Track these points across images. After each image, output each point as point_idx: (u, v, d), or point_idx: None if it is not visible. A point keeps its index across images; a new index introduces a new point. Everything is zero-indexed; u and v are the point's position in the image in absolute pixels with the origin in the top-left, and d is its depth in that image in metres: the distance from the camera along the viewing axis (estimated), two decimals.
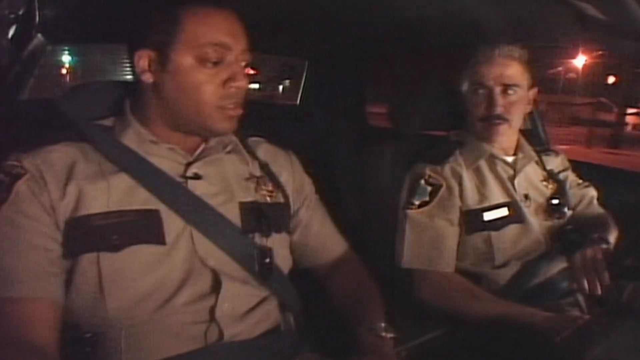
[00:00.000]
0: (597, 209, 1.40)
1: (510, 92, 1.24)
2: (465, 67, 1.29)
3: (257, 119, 0.93)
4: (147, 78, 0.84)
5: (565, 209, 1.32)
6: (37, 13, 1.06)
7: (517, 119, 1.27)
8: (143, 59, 0.83)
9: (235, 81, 0.84)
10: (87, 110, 0.89)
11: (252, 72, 0.89)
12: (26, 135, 0.84)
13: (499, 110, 1.23)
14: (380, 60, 2.38)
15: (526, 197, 1.28)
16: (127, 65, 0.88)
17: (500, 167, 1.29)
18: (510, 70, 1.24)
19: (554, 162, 1.41)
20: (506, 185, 1.27)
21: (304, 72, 2.27)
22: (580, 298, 1.19)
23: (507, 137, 1.28)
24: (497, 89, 1.23)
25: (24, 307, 0.73)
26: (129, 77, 0.90)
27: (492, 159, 1.29)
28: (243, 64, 0.87)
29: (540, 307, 1.07)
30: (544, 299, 1.17)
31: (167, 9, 0.82)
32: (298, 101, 2.33)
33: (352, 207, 1.52)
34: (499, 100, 1.23)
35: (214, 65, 0.83)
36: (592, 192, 1.42)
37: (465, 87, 1.30)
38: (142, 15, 0.85)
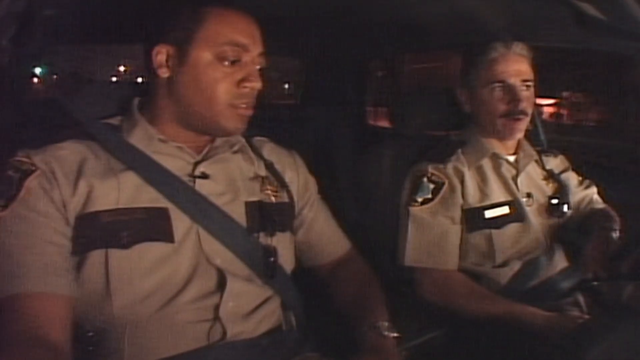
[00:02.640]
0: (598, 204, 1.41)
1: (527, 87, 1.25)
2: (476, 65, 1.27)
3: (258, 119, 0.93)
4: (163, 73, 0.85)
5: (565, 208, 1.32)
6: (37, 13, 1.06)
7: (530, 114, 1.28)
8: (161, 53, 0.85)
9: (250, 82, 0.86)
10: (94, 109, 0.90)
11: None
12: (32, 135, 0.84)
13: (522, 105, 1.23)
14: (381, 60, 2.38)
15: (529, 195, 1.29)
16: (142, 61, 0.88)
17: (502, 166, 1.29)
18: (525, 66, 1.25)
19: (554, 163, 1.42)
20: (508, 184, 1.28)
21: (304, 72, 2.27)
22: (580, 298, 1.19)
23: (521, 133, 1.28)
24: (519, 85, 1.23)
25: (37, 303, 0.73)
26: (137, 75, 0.90)
27: (494, 158, 1.29)
28: (258, 66, 0.88)
29: (541, 306, 1.07)
30: (544, 299, 1.17)
31: (191, 7, 0.84)
32: (298, 101, 2.33)
33: (354, 207, 1.52)
34: (522, 95, 1.23)
35: (230, 64, 0.84)
36: (593, 190, 1.42)
37: (476, 85, 1.28)
38: (164, 11, 0.86)
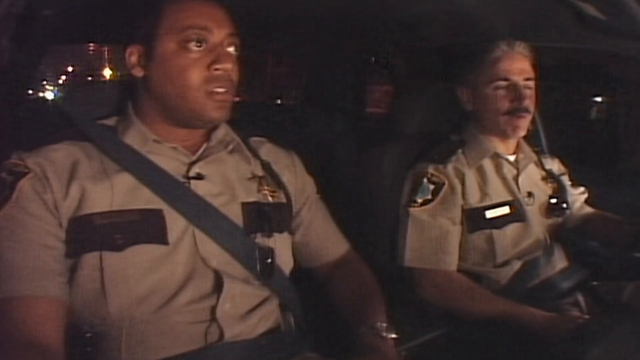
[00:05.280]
0: (587, 208, 1.45)
1: (529, 85, 1.25)
2: (478, 64, 1.27)
3: (258, 119, 0.93)
4: (138, 72, 0.86)
5: (565, 207, 1.33)
6: (37, 13, 1.06)
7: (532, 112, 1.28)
8: (134, 54, 0.85)
9: (220, 63, 0.84)
10: (90, 110, 0.90)
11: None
12: (28, 135, 0.84)
13: (526, 102, 1.23)
14: (381, 60, 2.38)
15: (529, 194, 1.29)
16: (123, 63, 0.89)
17: (503, 166, 1.29)
18: (527, 65, 1.26)
19: (552, 165, 1.43)
20: (509, 184, 1.28)
21: (304, 72, 2.26)
22: (580, 298, 1.20)
23: (524, 131, 1.28)
24: (522, 82, 1.24)
25: (29, 306, 0.73)
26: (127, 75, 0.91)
27: (495, 158, 1.29)
28: (230, 48, 0.87)
29: (541, 307, 1.07)
30: (544, 299, 1.17)
31: (149, 2, 0.85)
32: (298, 101, 2.33)
33: (354, 207, 1.52)
34: (525, 92, 1.24)
35: (197, 49, 0.83)
36: (584, 196, 1.45)
37: (479, 83, 1.28)
38: (131, 11, 0.86)
